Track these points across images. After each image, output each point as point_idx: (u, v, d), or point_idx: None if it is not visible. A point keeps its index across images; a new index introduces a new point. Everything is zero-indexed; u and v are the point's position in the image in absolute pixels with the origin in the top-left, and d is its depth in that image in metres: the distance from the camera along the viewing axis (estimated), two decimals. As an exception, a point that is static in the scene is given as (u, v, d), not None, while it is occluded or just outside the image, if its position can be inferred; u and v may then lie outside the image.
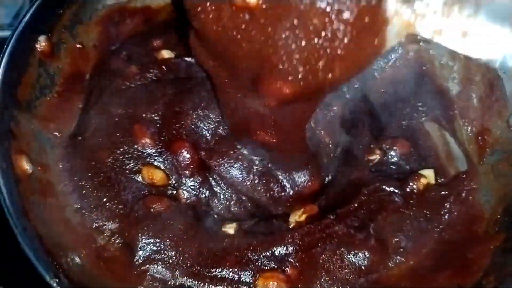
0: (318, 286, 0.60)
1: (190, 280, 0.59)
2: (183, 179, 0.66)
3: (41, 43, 0.65)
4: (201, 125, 0.69)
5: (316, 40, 0.48)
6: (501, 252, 0.59)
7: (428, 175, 0.68)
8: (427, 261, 0.62)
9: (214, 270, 0.60)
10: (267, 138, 0.63)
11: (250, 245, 0.61)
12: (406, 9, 0.52)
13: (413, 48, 0.78)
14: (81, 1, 0.72)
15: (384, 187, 0.67)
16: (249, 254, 0.61)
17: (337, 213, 0.64)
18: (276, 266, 0.60)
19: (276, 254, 0.61)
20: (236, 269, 0.60)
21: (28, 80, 0.64)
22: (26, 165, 0.60)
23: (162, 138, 0.68)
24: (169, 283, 0.59)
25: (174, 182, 0.67)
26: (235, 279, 0.59)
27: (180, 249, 0.60)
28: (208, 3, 0.51)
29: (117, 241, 0.61)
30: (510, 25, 0.52)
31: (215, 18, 0.51)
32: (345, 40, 0.48)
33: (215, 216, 0.66)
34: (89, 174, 0.65)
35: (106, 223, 0.62)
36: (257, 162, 0.68)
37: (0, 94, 0.60)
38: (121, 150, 0.66)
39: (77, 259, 0.57)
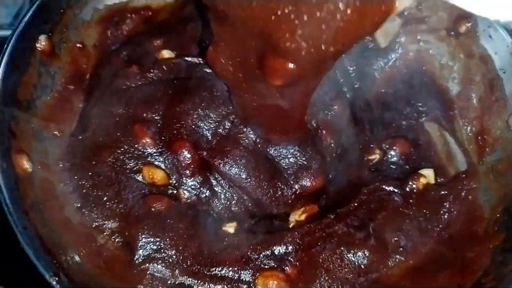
0: (318, 285, 0.60)
1: (190, 279, 0.59)
2: (184, 178, 0.66)
3: (42, 42, 0.66)
4: (201, 124, 0.69)
5: (318, 14, 0.46)
6: (501, 251, 0.59)
7: (428, 175, 0.68)
8: (426, 260, 0.62)
9: (214, 269, 0.60)
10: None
11: (250, 244, 0.61)
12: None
13: (413, 48, 0.78)
14: (82, 0, 0.72)
15: (384, 186, 0.67)
16: (249, 253, 0.61)
17: (337, 213, 0.64)
18: (276, 265, 0.60)
19: (276, 253, 0.61)
20: (236, 268, 0.60)
21: (29, 79, 0.64)
22: (26, 164, 0.60)
23: (162, 138, 0.68)
24: (169, 282, 0.59)
25: (174, 181, 0.67)
26: (235, 278, 0.59)
27: (180, 248, 0.60)
28: None
29: (117, 240, 0.61)
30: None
31: None
32: (348, 12, 0.45)
33: (215, 215, 0.66)
34: (90, 173, 0.65)
35: (106, 222, 0.62)
36: (259, 161, 0.68)
37: (1, 93, 0.60)
38: (122, 149, 0.67)
39: (77, 258, 0.57)
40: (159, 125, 0.68)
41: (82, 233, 0.60)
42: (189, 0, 0.81)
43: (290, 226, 0.66)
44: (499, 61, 0.69)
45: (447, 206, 0.66)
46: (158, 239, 0.61)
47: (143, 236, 0.61)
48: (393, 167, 0.72)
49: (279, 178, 0.68)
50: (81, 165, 0.65)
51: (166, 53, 0.75)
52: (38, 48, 0.65)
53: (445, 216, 0.66)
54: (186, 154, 0.66)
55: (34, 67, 0.65)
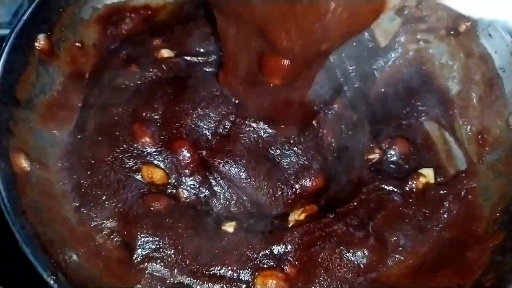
0: (317, 284, 0.60)
1: (189, 278, 0.59)
2: (183, 178, 0.66)
3: (41, 41, 0.65)
4: (201, 124, 0.69)
5: (310, 13, 0.48)
6: (501, 250, 0.59)
7: (428, 174, 0.68)
8: (426, 260, 0.62)
9: (213, 268, 0.59)
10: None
11: (249, 244, 0.61)
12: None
13: (413, 48, 0.78)
14: (81, 0, 0.72)
15: (383, 186, 0.67)
16: (248, 252, 0.61)
17: (337, 212, 0.64)
18: (275, 265, 0.60)
19: (275, 253, 0.61)
20: (235, 268, 0.60)
21: (27, 78, 0.64)
22: (24, 163, 0.60)
23: (162, 137, 0.68)
24: (168, 281, 0.59)
25: (173, 181, 0.67)
26: (234, 277, 0.59)
27: (179, 247, 0.60)
28: None
29: (115, 239, 0.61)
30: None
31: None
32: (339, 11, 0.47)
33: (215, 215, 0.66)
34: (88, 172, 0.65)
35: (105, 221, 0.62)
36: (259, 161, 0.68)
37: (-1, 92, 0.60)
38: (121, 149, 0.67)
39: (75, 258, 0.56)
40: (158, 124, 0.68)
41: (80, 232, 0.60)
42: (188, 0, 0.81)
43: (290, 226, 0.65)
44: (498, 60, 0.69)
45: (447, 205, 0.66)
46: (157, 239, 0.60)
47: (142, 235, 0.60)
48: (393, 166, 0.71)
49: (279, 178, 0.68)
50: (80, 164, 0.65)
51: (166, 52, 0.75)
52: (37, 47, 0.65)
53: (445, 216, 0.65)
54: (186, 154, 0.66)
55: (33, 66, 0.65)
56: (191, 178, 0.66)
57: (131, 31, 0.79)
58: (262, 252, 0.61)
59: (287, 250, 0.61)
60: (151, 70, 0.73)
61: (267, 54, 0.56)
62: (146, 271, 0.59)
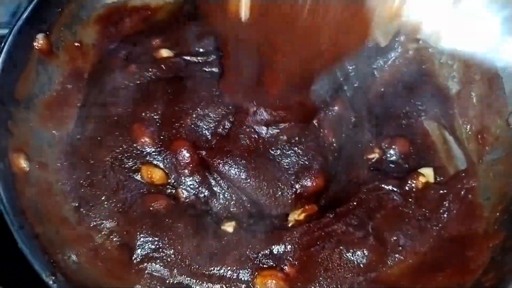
0: (317, 284, 0.60)
1: (189, 278, 0.59)
2: (182, 178, 0.66)
3: (40, 41, 0.65)
4: (200, 124, 0.69)
5: (303, 41, 0.56)
6: (501, 250, 0.59)
7: (427, 174, 0.68)
8: (426, 259, 0.62)
9: (212, 268, 0.59)
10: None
11: (249, 244, 0.61)
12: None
13: (413, 47, 0.78)
14: (80, -1, 0.72)
15: (383, 185, 0.67)
16: (247, 252, 0.60)
17: (336, 212, 0.64)
18: (274, 265, 0.60)
19: (275, 253, 0.61)
20: (234, 268, 0.59)
21: (26, 78, 0.64)
22: (23, 163, 0.59)
23: (161, 137, 0.67)
24: (167, 281, 0.58)
25: (173, 181, 0.66)
26: (234, 277, 0.59)
27: (179, 247, 0.60)
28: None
29: (115, 239, 0.60)
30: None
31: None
32: (328, 41, 0.55)
33: (214, 215, 0.66)
34: (88, 172, 0.65)
35: (104, 221, 0.61)
36: (259, 162, 0.68)
37: (-2, 92, 0.60)
38: (120, 149, 0.66)
39: (75, 258, 0.56)
40: (158, 124, 0.68)
41: (79, 233, 0.60)
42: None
43: (289, 226, 0.65)
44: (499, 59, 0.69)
45: (447, 205, 0.66)
46: (157, 239, 0.60)
47: (141, 235, 0.60)
48: (393, 166, 0.71)
49: (280, 179, 0.68)
50: (79, 164, 0.65)
51: (165, 52, 0.75)
52: (36, 47, 0.65)
53: (445, 215, 0.65)
54: (185, 153, 0.66)
55: (32, 66, 0.65)
56: (191, 178, 0.66)
57: (131, 31, 0.79)
58: (261, 252, 0.61)
59: (286, 250, 0.61)
60: (150, 70, 0.73)
61: (265, 71, 0.60)
62: (146, 271, 0.59)
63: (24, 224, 0.53)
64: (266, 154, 0.69)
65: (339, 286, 0.60)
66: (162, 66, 0.74)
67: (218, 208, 0.66)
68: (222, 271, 0.59)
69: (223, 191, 0.67)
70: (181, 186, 0.66)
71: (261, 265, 0.60)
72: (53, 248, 0.54)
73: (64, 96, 0.69)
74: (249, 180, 0.66)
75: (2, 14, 0.85)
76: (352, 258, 0.61)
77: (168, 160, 0.67)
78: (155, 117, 0.69)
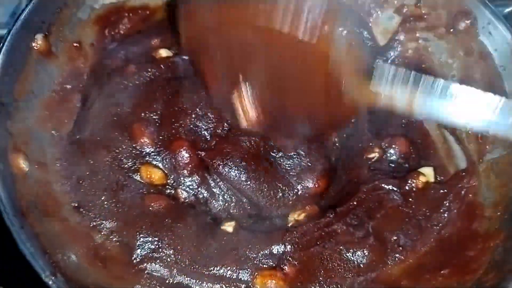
0: (317, 284, 0.59)
1: (188, 278, 0.59)
2: (182, 178, 0.66)
3: (38, 41, 0.65)
4: (200, 124, 0.69)
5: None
6: (501, 250, 0.59)
7: (427, 173, 0.68)
8: (426, 259, 0.62)
9: (212, 268, 0.59)
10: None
11: (249, 244, 0.61)
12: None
13: (412, 46, 0.78)
14: (79, 0, 0.71)
15: (383, 185, 0.67)
16: (247, 252, 0.60)
17: (336, 212, 0.64)
18: (274, 265, 0.60)
19: (275, 253, 0.61)
20: (234, 268, 0.59)
21: (25, 78, 0.64)
22: (23, 164, 0.59)
23: (161, 137, 0.67)
24: (167, 281, 0.58)
25: (172, 181, 0.66)
26: (233, 277, 0.59)
27: (178, 247, 0.60)
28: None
29: (114, 239, 0.60)
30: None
31: None
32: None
33: (214, 215, 0.66)
34: (87, 173, 0.64)
35: (104, 221, 0.61)
36: (260, 163, 0.68)
37: (-3, 92, 0.60)
38: (120, 149, 0.66)
39: (74, 258, 0.56)
40: (157, 124, 0.68)
41: (79, 233, 0.60)
42: None
43: (289, 225, 0.65)
44: (498, 58, 0.69)
45: (447, 204, 0.66)
46: (156, 239, 0.60)
47: (141, 235, 0.60)
48: (393, 165, 0.71)
49: (280, 180, 0.68)
50: (79, 165, 0.65)
51: (164, 52, 0.75)
52: (35, 48, 0.65)
53: (445, 215, 0.65)
54: (184, 154, 0.66)
55: (31, 66, 0.64)
56: (190, 178, 0.66)
57: (130, 31, 0.78)
58: (261, 252, 0.61)
59: (286, 250, 0.61)
60: (149, 70, 0.73)
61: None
62: (146, 271, 0.59)
63: (24, 224, 0.53)
64: (267, 156, 0.69)
65: (339, 286, 0.60)
66: (161, 66, 0.73)
67: (218, 209, 0.66)
68: (221, 271, 0.59)
69: (222, 192, 0.67)
70: (180, 187, 0.66)
71: (261, 265, 0.60)
72: (53, 248, 0.54)
73: (63, 97, 0.69)
74: (249, 182, 0.66)
75: (1, 15, 0.84)
76: (352, 258, 0.61)
77: (167, 160, 0.67)
78: (154, 117, 0.69)
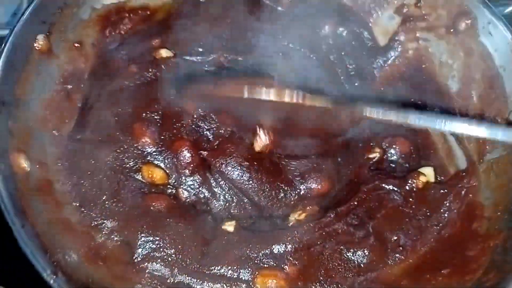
0: (317, 284, 0.60)
1: (189, 278, 0.59)
2: (183, 178, 0.66)
3: (40, 41, 0.65)
4: (202, 124, 0.69)
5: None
6: (501, 250, 0.59)
7: (428, 173, 0.68)
8: (426, 259, 0.62)
9: (213, 268, 0.59)
10: None
11: (249, 243, 0.61)
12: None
13: (412, 47, 0.78)
14: (80, 0, 0.71)
15: (383, 185, 0.67)
16: (248, 251, 0.60)
17: (337, 212, 0.64)
18: (275, 264, 0.60)
19: (275, 252, 0.61)
20: (235, 267, 0.60)
21: (27, 78, 0.64)
22: (24, 163, 0.59)
23: (162, 137, 0.67)
24: (168, 280, 0.58)
25: (174, 181, 0.66)
26: (234, 277, 0.59)
27: (179, 247, 0.60)
28: None
29: (116, 239, 0.60)
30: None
31: None
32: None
33: (215, 215, 0.66)
34: (89, 172, 0.65)
35: (105, 221, 0.61)
36: (262, 164, 0.68)
37: (-1, 92, 0.60)
38: (121, 149, 0.66)
39: (75, 257, 0.56)
40: (158, 124, 0.68)
41: (80, 232, 0.60)
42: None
43: (290, 225, 0.65)
44: (499, 58, 0.69)
45: (447, 204, 0.66)
46: (157, 238, 0.60)
47: (142, 235, 0.60)
48: (393, 165, 0.71)
49: (283, 181, 0.67)
50: (80, 164, 0.65)
51: (165, 52, 0.75)
52: (36, 48, 0.65)
53: (445, 215, 0.65)
54: (186, 153, 0.66)
55: (32, 66, 0.65)
56: (191, 178, 0.66)
57: (130, 31, 0.78)
58: (262, 252, 0.61)
59: (287, 250, 0.61)
60: (150, 70, 0.73)
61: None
62: (147, 271, 0.59)
63: (25, 223, 0.53)
64: (271, 156, 0.69)
65: (339, 285, 0.60)
66: (162, 66, 0.74)
67: (219, 209, 0.66)
68: (222, 270, 0.59)
69: (223, 192, 0.67)
70: (181, 186, 0.66)
71: (261, 264, 0.60)
72: (54, 248, 0.54)
73: (64, 96, 0.69)
74: (251, 182, 0.66)
75: (2, 15, 0.85)
76: (353, 257, 0.61)
77: (169, 160, 0.67)
78: (155, 117, 0.69)
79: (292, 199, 0.67)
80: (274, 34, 0.77)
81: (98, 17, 0.75)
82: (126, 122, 0.68)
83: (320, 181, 0.68)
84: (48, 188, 0.61)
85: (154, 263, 0.59)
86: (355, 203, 0.65)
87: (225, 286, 0.59)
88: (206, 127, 0.69)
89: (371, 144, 0.73)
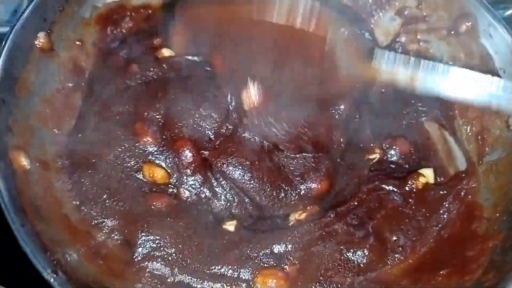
0: (317, 284, 0.60)
1: (189, 277, 0.59)
2: (184, 177, 0.66)
3: (40, 39, 0.65)
4: (203, 124, 0.69)
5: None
6: (501, 250, 0.59)
7: (427, 174, 0.68)
8: (426, 259, 0.62)
9: (213, 267, 0.59)
10: None
11: (250, 243, 0.61)
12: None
13: (413, 48, 0.79)
14: (81, -2, 0.72)
15: (383, 186, 0.67)
16: (248, 251, 0.61)
17: (337, 212, 0.64)
18: (275, 264, 0.60)
19: (276, 252, 0.61)
20: (235, 266, 0.60)
21: (27, 76, 0.63)
22: (24, 162, 0.59)
23: (163, 137, 0.67)
24: (168, 280, 0.58)
25: (175, 180, 0.66)
26: (234, 276, 0.59)
27: (180, 246, 0.60)
28: None
29: (116, 238, 0.60)
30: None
31: None
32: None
33: (215, 215, 0.66)
34: (89, 171, 0.64)
35: (105, 220, 0.61)
36: (264, 163, 0.68)
37: (-1, 90, 0.59)
38: (122, 148, 0.66)
39: (76, 256, 0.56)
40: (160, 124, 0.68)
41: (81, 231, 0.60)
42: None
43: (290, 225, 0.65)
44: (498, 60, 0.69)
45: (447, 205, 0.66)
46: (158, 237, 0.60)
47: (142, 234, 0.60)
48: (393, 166, 0.72)
49: (284, 180, 0.68)
50: (80, 163, 0.65)
51: (167, 52, 0.75)
52: (37, 45, 0.65)
53: (445, 216, 0.66)
54: (188, 153, 0.66)
55: (33, 64, 0.64)
56: (193, 178, 0.66)
57: (132, 30, 0.78)
58: (262, 251, 0.61)
59: (287, 249, 0.61)
60: (152, 69, 0.73)
61: None
62: (147, 270, 0.59)
63: (25, 222, 0.53)
64: (272, 156, 0.69)
65: (339, 285, 0.60)
66: (164, 65, 0.73)
67: (220, 208, 0.66)
68: (223, 270, 0.59)
69: (224, 192, 0.67)
70: (183, 186, 0.66)
71: (261, 264, 0.60)
72: (54, 246, 0.54)
73: (65, 95, 0.69)
74: (252, 181, 0.66)
75: (3, 13, 0.84)
76: (353, 257, 0.61)
77: (170, 159, 0.66)
78: (157, 116, 0.69)
79: (293, 199, 0.67)
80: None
81: (99, 16, 0.74)
82: (128, 121, 0.68)
83: (320, 181, 0.68)
84: (48, 186, 0.61)
85: (155, 262, 0.59)
86: (355, 203, 0.66)
87: (225, 286, 0.59)
88: (208, 126, 0.69)
89: (372, 144, 0.73)
